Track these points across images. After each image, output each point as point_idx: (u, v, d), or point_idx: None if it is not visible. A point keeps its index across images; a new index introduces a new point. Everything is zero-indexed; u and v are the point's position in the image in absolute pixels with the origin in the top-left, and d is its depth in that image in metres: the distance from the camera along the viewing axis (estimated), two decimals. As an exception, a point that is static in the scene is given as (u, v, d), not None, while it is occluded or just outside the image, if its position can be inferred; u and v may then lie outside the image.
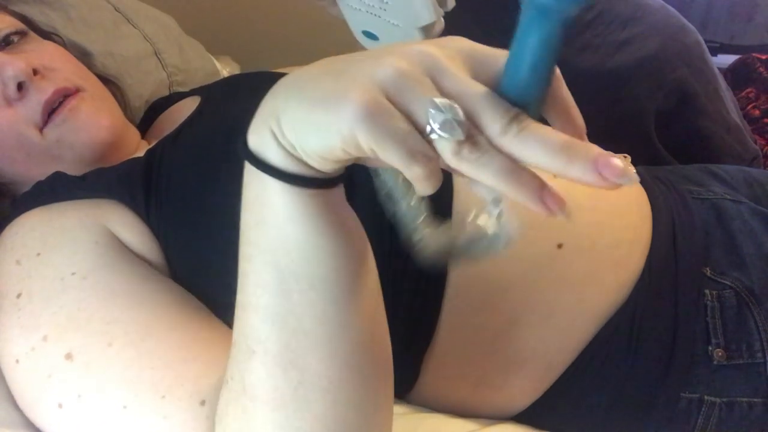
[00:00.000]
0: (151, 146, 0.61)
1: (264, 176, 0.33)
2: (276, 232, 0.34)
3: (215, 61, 1.14)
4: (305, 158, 0.32)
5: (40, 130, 0.59)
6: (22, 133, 0.58)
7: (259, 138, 0.33)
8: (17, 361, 0.47)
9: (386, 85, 0.28)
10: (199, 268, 0.53)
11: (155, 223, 0.54)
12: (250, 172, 0.34)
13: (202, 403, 0.44)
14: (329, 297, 0.35)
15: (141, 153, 0.61)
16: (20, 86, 0.58)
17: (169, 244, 0.54)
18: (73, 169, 0.60)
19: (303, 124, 0.30)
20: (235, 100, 0.66)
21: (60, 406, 0.45)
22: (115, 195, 0.55)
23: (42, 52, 0.63)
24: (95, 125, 0.60)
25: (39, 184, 0.58)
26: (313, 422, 0.36)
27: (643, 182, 0.66)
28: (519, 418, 0.59)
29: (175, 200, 0.54)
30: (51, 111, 0.59)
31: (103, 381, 0.45)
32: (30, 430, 0.49)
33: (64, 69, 0.63)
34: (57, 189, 0.57)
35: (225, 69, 1.18)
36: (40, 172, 0.59)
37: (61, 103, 0.59)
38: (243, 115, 0.58)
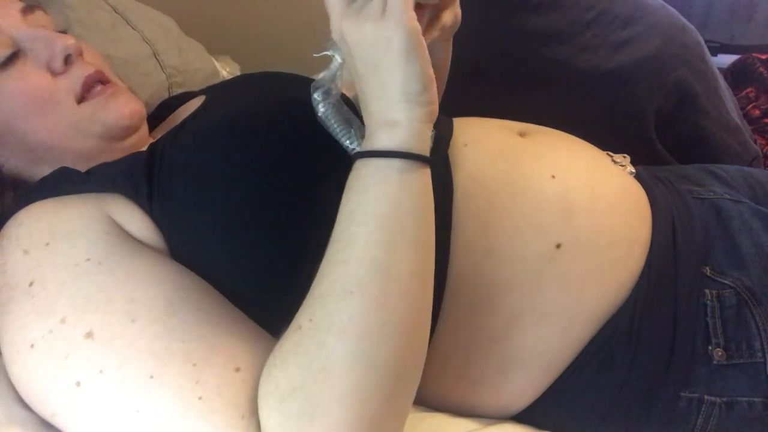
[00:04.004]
0: (152, 142, 0.61)
1: (388, 162, 0.47)
2: (393, 203, 0.46)
3: (215, 62, 1.14)
4: (414, 114, 0.47)
5: (78, 102, 0.61)
6: (60, 101, 0.61)
7: (383, 136, 0.48)
8: (32, 346, 0.47)
9: None
10: (202, 258, 0.53)
11: (158, 215, 0.54)
12: (369, 165, 0.47)
13: (237, 369, 0.45)
14: (422, 256, 0.47)
15: (143, 147, 0.61)
16: (67, 60, 0.61)
17: (172, 236, 0.54)
18: (92, 148, 0.61)
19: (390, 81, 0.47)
20: (237, 96, 0.67)
21: (78, 384, 0.45)
22: (119, 189, 0.55)
23: (82, 44, 0.66)
24: (129, 108, 0.64)
25: (43, 179, 0.59)
26: (388, 357, 0.43)
27: (643, 182, 0.66)
28: (519, 418, 0.60)
29: (177, 192, 0.55)
30: (89, 88, 0.62)
31: (127, 354, 0.45)
32: (41, 428, 0.49)
33: (99, 63, 0.66)
34: (61, 183, 0.57)
35: (225, 69, 1.18)
36: (65, 144, 0.61)
37: (100, 85, 0.63)
38: (245, 109, 0.61)
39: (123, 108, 0.63)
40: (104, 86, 0.63)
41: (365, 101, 0.49)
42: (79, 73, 0.61)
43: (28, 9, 0.63)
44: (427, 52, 0.47)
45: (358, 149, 0.52)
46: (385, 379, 0.42)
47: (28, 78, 0.59)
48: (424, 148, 0.48)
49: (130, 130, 0.63)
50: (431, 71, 0.47)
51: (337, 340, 0.42)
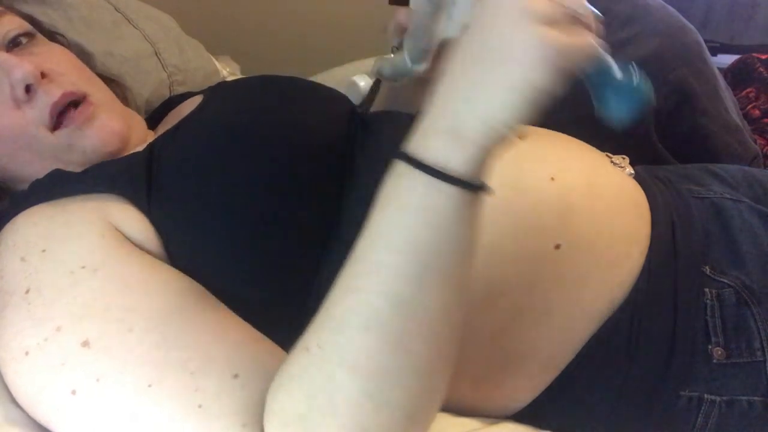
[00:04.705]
0: (151, 141, 0.61)
1: (438, 184, 0.38)
2: (436, 235, 0.39)
3: (215, 61, 1.14)
4: (489, 142, 0.39)
5: (51, 131, 0.60)
6: (33, 134, 0.59)
7: (440, 148, 0.39)
8: (27, 353, 0.46)
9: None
10: (199, 260, 0.53)
11: (156, 216, 0.54)
12: (414, 178, 0.39)
13: (235, 376, 0.44)
14: (455, 296, 0.41)
15: (141, 147, 0.61)
16: (28, 89, 0.58)
17: (169, 237, 0.54)
18: (77, 169, 0.60)
19: (494, 94, 0.38)
20: (233, 98, 0.67)
21: (73, 392, 0.44)
22: (117, 189, 0.55)
23: (50, 56, 0.63)
24: (108, 132, 0.61)
25: (37, 181, 0.58)
26: (400, 398, 0.40)
27: (642, 182, 0.66)
28: (519, 417, 0.60)
29: (174, 193, 0.54)
30: (59, 113, 0.59)
31: (125, 362, 0.44)
32: (39, 430, 0.48)
33: (71, 73, 0.64)
34: (56, 186, 0.57)
35: (225, 69, 1.18)
36: (48, 170, 0.60)
37: (74, 108, 0.60)
38: (241, 110, 0.60)
39: (102, 133, 0.61)
40: (77, 109, 0.60)
41: (453, 81, 0.40)
42: (44, 101, 0.59)
43: None
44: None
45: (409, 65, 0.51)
46: (395, 420, 0.40)
47: None
48: (483, 176, 0.40)
49: (112, 155, 0.62)
50: (532, 115, 0.40)
51: (347, 376, 0.39)
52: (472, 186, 0.39)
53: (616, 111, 0.42)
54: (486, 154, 0.39)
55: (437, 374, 0.42)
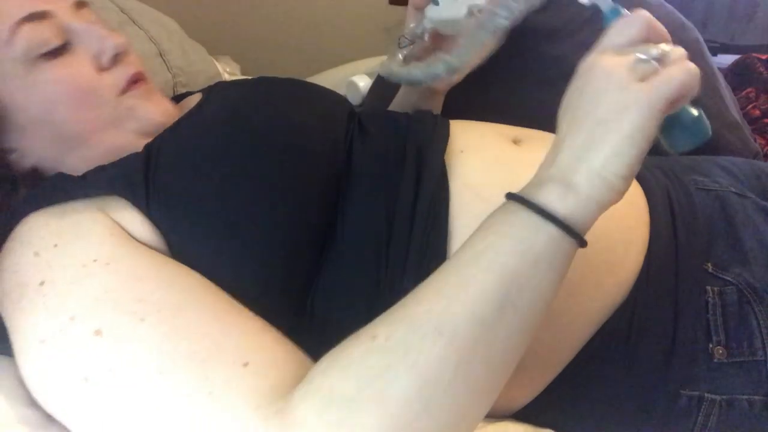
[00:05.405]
0: (149, 141, 0.62)
1: (538, 221, 0.43)
2: (526, 267, 0.43)
3: (216, 64, 1.15)
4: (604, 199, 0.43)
5: (120, 95, 0.63)
6: (103, 96, 0.62)
7: (549, 193, 0.44)
8: (42, 341, 0.47)
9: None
10: (200, 257, 0.53)
11: (156, 215, 0.54)
12: (517, 213, 0.44)
13: (246, 364, 0.45)
14: (525, 329, 0.44)
15: (140, 148, 0.62)
16: (115, 58, 0.63)
17: (170, 236, 0.54)
18: (123, 143, 0.62)
19: (616, 151, 0.42)
20: (231, 96, 0.68)
21: (86, 379, 0.45)
22: (117, 191, 0.55)
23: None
24: (162, 107, 0.66)
25: (42, 186, 0.59)
26: (444, 411, 0.42)
27: (641, 179, 0.66)
28: (519, 416, 0.60)
29: (173, 192, 0.55)
30: (132, 85, 0.64)
31: (136, 352, 0.45)
32: (45, 427, 0.49)
33: (138, 61, 0.68)
34: (59, 189, 0.57)
35: (225, 69, 1.19)
36: (98, 137, 0.62)
37: (143, 83, 0.65)
38: (238, 108, 0.60)
39: (160, 106, 0.65)
40: (144, 85, 0.65)
41: (561, 140, 0.46)
42: (124, 71, 0.63)
43: (80, 4, 0.65)
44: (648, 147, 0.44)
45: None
46: (434, 426, 0.41)
47: (75, 68, 0.60)
48: (585, 229, 0.44)
49: (162, 127, 0.64)
50: (639, 167, 0.44)
51: (405, 372, 0.41)
52: (569, 231, 0.43)
53: (680, 143, 0.47)
54: (595, 205, 0.44)
55: (483, 402, 0.44)
